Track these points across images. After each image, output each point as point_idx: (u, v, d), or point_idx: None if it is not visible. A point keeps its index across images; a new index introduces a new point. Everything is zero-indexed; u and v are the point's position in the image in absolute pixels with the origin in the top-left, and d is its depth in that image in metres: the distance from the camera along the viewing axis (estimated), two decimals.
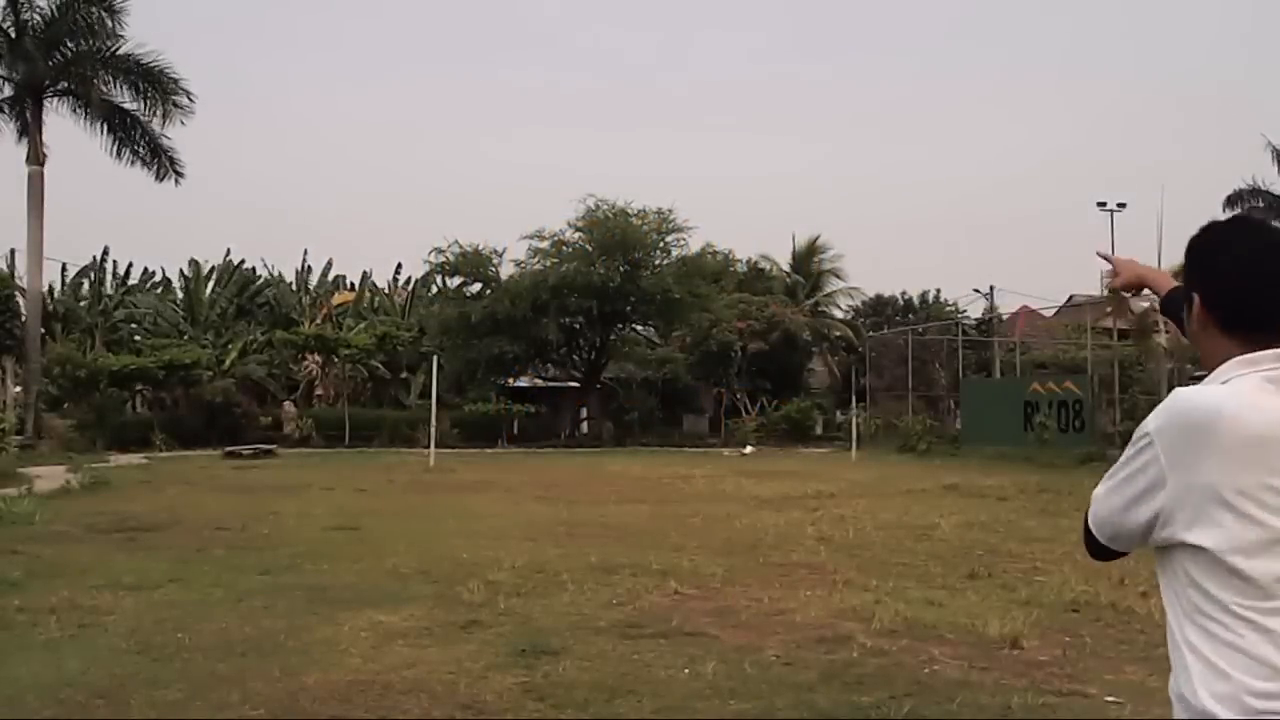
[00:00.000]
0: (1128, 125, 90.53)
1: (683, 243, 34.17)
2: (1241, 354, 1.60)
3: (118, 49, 28.04)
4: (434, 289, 41.24)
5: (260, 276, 43.43)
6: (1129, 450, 1.61)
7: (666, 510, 12.90)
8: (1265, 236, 1.69)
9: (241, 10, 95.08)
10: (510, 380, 35.49)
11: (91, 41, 27.78)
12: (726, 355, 35.35)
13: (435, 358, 26.49)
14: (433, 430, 23.28)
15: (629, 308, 34.39)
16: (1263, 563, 1.49)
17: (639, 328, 38.21)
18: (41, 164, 27.66)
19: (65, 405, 29.98)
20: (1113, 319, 26.55)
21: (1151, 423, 1.58)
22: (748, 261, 42.08)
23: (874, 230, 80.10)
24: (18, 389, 30.83)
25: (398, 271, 45.72)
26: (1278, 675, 1.48)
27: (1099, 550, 1.74)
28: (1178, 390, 1.64)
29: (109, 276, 41.47)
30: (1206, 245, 1.72)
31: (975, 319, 41.28)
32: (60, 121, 28.95)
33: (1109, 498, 1.65)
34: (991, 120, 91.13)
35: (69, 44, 27.85)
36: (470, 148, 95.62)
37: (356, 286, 45.00)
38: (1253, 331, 1.62)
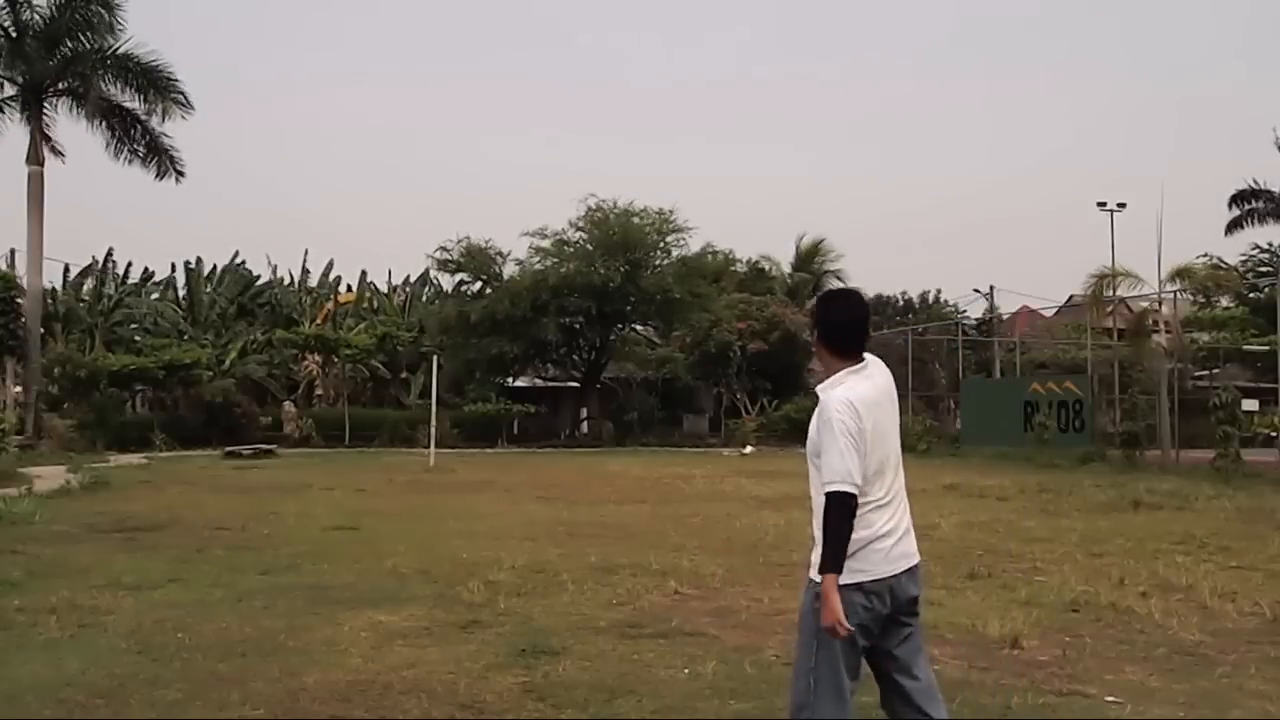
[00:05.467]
0: (1128, 125, 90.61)
1: (683, 243, 34.21)
2: (843, 367, 3.17)
3: (118, 47, 28.05)
4: (428, 287, 41.17)
5: (260, 276, 43.46)
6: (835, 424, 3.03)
7: (666, 510, 12.90)
8: (849, 306, 3.30)
9: (242, 10, 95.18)
10: (510, 380, 35.46)
11: (91, 39, 27.76)
12: (726, 355, 35.31)
13: (435, 358, 26.49)
14: (433, 430, 23.28)
15: (629, 307, 34.34)
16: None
17: (639, 328, 38.16)
18: (41, 164, 27.66)
19: (65, 405, 29.93)
20: (1112, 319, 26.57)
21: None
22: (748, 262, 42.06)
23: (874, 230, 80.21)
24: (18, 389, 30.82)
25: (389, 279, 45.84)
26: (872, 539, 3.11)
27: (851, 503, 2.98)
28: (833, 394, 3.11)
29: (110, 276, 41.46)
30: (822, 308, 3.32)
31: (975, 319, 41.30)
32: (60, 120, 28.97)
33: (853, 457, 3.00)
34: (991, 120, 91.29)
35: (69, 42, 27.84)
36: (471, 148, 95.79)
37: (355, 288, 44.97)
38: (844, 355, 3.19)
